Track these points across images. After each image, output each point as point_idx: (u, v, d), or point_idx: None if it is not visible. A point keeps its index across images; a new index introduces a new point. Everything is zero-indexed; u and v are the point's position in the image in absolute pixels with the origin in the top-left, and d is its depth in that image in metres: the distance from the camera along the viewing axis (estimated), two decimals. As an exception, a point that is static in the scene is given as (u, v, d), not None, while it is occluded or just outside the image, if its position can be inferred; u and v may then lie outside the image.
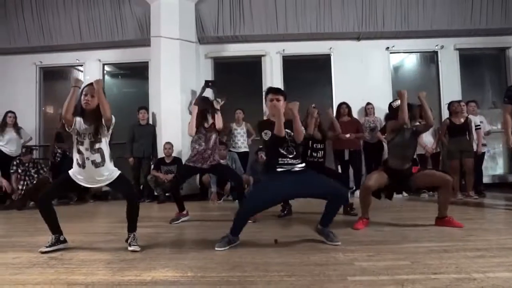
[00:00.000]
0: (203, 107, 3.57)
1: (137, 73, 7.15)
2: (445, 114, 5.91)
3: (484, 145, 5.31)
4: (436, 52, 6.67)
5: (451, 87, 6.51)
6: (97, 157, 2.38)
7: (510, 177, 6.43)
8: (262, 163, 5.57)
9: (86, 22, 6.51)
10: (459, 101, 5.26)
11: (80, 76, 6.92)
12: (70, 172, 2.43)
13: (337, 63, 6.65)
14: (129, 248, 2.34)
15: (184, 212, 3.55)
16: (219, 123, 3.52)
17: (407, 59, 7.06)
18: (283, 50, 6.66)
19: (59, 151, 5.85)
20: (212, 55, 6.77)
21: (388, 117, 3.24)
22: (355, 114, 5.86)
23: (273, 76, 6.56)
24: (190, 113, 3.69)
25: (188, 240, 2.87)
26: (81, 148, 2.37)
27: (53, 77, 7.17)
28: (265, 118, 3.11)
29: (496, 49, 6.77)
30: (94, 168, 2.38)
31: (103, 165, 2.39)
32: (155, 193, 5.56)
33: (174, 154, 5.62)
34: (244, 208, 2.58)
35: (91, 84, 2.37)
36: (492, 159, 6.59)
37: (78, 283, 1.73)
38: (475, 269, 1.76)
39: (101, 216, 4.45)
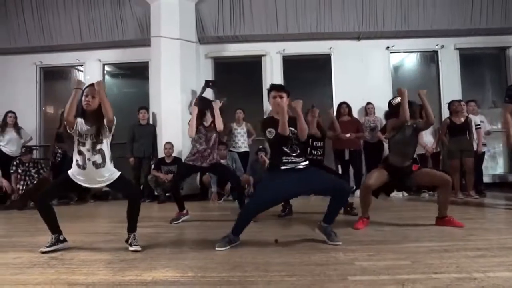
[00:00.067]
0: (202, 107, 3.57)
1: (137, 73, 7.15)
2: (445, 113, 5.91)
3: (484, 144, 5.31)
4: (436, 52, 6.66)
5: (451, 86, 6.50)
6: (98, 158, 2.37)
7: (511, 177, 6.41)
8: (262, 163, 5.57)
9: (86, 22, 6.51)
10: (459, 101, 5.26)
11: (81, 76, 6.92)
12: (69, 172, 2.42)
13: (337, 63, 6.65)
14: (131, 248, 2.34)
15: (184, 212, 3.55)
16: (219, 125, 3.51)
17: (407, 59, 7.06)
18: (283, 50, 6.66)
19: (59, 151, 5.85)
20: (212, 55, 6.77)
21: (387, 114, 3.23)
22: (355, 114, 5.86)
23: (273, 76, 6.56)
24: (191, 113, 3.69)
25: (188, 240, 2.87)
26: (83, 149, 2.37)
27: (53, 77, 7.17)
28: (268, 116, 3.08)
29: (496, 49, 6.77)
30: (95, 169, 2.37)
31: (103, 166, 2.39)
32: (156, 193, 5.56)
33: (174, 154, 5.62)
34: (248, 207, 2.57)
35: (92, 84, 2.37)
36: (493, 159, 6.58)
37: (78, 283, 1.73)
38: (476, 269, 1.76)
39: (101, 216, 4.45)
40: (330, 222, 2.48)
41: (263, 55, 6.69)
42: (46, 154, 6.40)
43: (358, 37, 6.60)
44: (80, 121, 2.38)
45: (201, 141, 3.52)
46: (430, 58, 6.85)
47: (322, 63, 6.76)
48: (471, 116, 5.17)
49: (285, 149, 2.48)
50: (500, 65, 6.81)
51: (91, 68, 6.86)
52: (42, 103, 6.96)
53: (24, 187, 5.08)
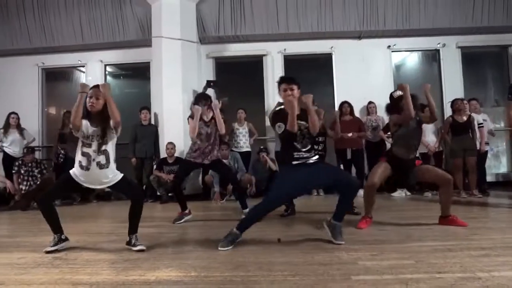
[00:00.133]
0: (200, 103, 3.55)
1: (138, 73, 7.17)
2: (447, 112, 5.89)
3: (487, 143, 5.29)
4: (438, 50, 6.65)
5: (453, 85, 6.48)
6: (102, 159, 2.37)
7: (514, 176, 6.40)
8: (264, 163, 5.58)
9: (88, 23, 6.53)
10: (462, 99, 5.24)
11: (82, 77, 6.95)
12: (71, 172, 2.41)
13: (339, 62, 6.64)
14: (135, 248, 2.34)
15: (186, 211, 3.54)
16: (221, 129, 3.50)
17: (409, 58, 7.04)
18: (285, 49, 6.66)
19: (62, 152, 5.86)
20: (214, 55, 6.77)
21: (389, 107, 3.21)
22: (357, 113, 5.85)
23: (274, 75, 6.53)
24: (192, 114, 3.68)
25: (191, 240, 2.87)
26: (88, 150, 2.36)
27: (55, 78, 7.19)
28: (278, 107, 3.01)
29: (498, 47, 6.75)
30: (99, 170, 2.37)
31: (107, 167, 2.39)
32: (158, 193, 5.57)
33: (176, 154, 5.62)
34: (269, 199, 2.52)
35: (96, 86, 2.37)
36: (496, 158, 6.56)
37: (82, 283, 1.74)
38: (480, 268, 1.75)
39: (104, 217, 4.46)
40: (340, 219, 2.47)
41: (264, 55, 6.69)
42: (49, 155, 6.42)
43: (359, 36, 6.59)
44: (85, 123, 2.37)
45: (201, 137, 3.53)
46: (432, 57, 6.84)
47: (323, 62, 6.75)
48: (473, 114, 5.15)
49: (296, 144, 2.47)
50: (502, 63, 6.79)
51: (93, 69, 6.88)
52: (44, 104, 6.99)
53: (27, 188, 5.10)
